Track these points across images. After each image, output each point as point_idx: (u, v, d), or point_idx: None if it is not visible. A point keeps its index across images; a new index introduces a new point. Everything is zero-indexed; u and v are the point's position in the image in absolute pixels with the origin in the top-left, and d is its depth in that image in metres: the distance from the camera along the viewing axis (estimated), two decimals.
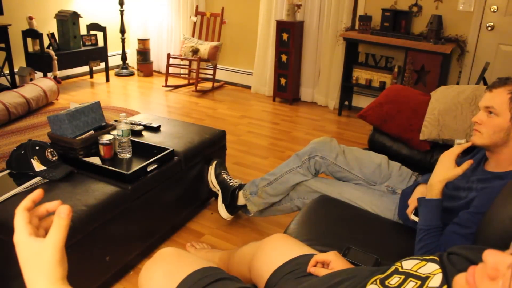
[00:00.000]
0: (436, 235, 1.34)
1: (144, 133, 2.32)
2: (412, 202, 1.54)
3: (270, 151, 3.34)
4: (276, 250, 1.21)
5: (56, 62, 4.25)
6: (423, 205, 1.42)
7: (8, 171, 1.82)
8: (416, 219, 1.47)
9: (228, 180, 2.23)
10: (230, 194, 2.16)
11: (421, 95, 2.29)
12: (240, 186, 2.16)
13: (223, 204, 2.20)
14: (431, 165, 2.09)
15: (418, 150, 2.15)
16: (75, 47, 4.54)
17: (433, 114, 2.06)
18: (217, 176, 2.27)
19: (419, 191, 1.56)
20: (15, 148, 1.82)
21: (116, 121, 2.15)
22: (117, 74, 5.27)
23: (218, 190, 2.25)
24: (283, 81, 4.43)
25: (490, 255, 0.53)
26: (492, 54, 3.60)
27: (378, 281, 0.84)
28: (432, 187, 1.37)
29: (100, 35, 4.81)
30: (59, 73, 4.43)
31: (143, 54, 5.25)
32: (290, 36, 4.23)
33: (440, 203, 1.37)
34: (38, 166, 1.75)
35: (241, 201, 2.14)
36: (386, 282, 0.82)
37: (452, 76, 3.82)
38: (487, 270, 0.52)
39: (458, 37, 3.66)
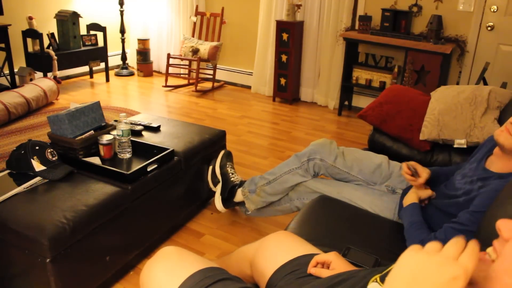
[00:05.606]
0: (420, 228, 1.42)
1: (144, 133, 2.33)
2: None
3: (270, 151, 3.34)
4: (279, 248, 1.21)
5: (56, 62, 4.25)
6: (402, 211, 1.55)
7: (8, 171, 1.82)
8: None
9: (230, 174, 2.23)
10: (228, 190, 2.17)
11: (421, 95, 2.29)
12: (241, 184, 2.16)
13: (220, 196, 2.20)
14: (431, 165, 2.10)
15: (418, 150, 2.15)
16: (75, 47, 4.54)
17: (433, 114, 2.07)
18: (222, 167, 2.27)
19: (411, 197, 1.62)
20: (15, 148, 1.82)
21: (116, 121, 2.15)
22: (117, 74, 5.27)
23: (219, 181, 2.25)
24: (283, 81, 4.43)
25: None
26: (492, 54, 3.61)
27: (378, 278, 0.84)
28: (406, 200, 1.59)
29: (100, 35, 4.81)
30: (59, 73, 4.43)
31: (143, 54, 5.25)
32: (290, 36, 4.23)
33: (416, 204, 1.52)
34: (38, 166, 1.75)
35: (238, 198, 2.15)
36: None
37: (452, 76, 3.82)
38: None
39: (458, 37, 3.66)
